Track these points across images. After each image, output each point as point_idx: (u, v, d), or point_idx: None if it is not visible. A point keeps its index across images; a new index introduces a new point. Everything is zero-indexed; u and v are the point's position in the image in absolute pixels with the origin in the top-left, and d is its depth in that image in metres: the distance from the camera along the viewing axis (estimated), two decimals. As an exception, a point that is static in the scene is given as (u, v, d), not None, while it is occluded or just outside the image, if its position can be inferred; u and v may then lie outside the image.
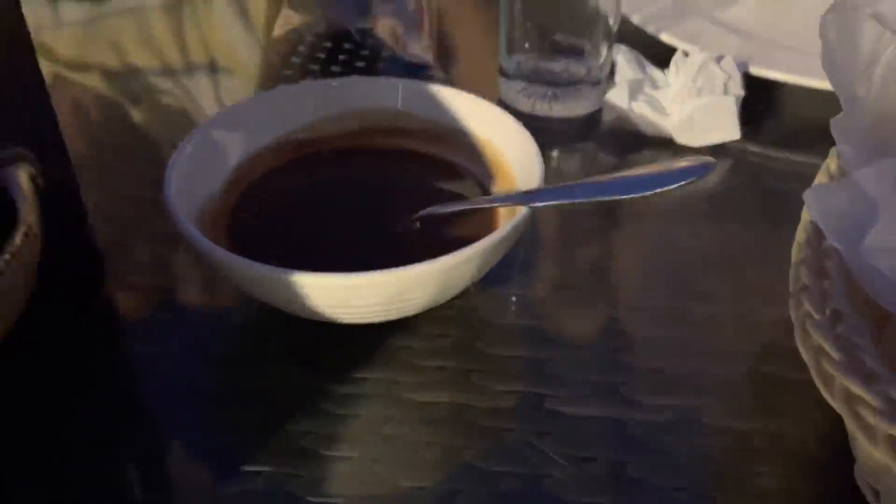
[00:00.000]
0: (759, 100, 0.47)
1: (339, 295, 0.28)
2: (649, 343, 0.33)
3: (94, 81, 0.51)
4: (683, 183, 0.29)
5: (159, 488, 0.28)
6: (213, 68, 0.53)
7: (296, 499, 0.27)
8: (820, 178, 0.31)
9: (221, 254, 0.28)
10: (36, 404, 0.30)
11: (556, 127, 0.47)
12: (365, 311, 0.30)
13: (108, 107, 0.49)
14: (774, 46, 0.50)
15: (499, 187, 0.35)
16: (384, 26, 0.54)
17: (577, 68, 0.46)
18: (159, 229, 0.36)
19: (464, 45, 0.57)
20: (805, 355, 0.24)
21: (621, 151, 0.45)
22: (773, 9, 0.58)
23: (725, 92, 0.44)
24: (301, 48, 0.55)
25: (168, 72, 0.52)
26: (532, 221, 0.34)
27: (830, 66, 0.28)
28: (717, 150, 0.45)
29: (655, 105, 0.45)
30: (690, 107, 0.44)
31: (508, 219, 0.30)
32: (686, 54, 0.46)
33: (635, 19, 0.53)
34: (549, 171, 0.44)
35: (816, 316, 0.24)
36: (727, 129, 0.44)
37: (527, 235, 0.37)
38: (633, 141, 0.45)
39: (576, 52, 0.46)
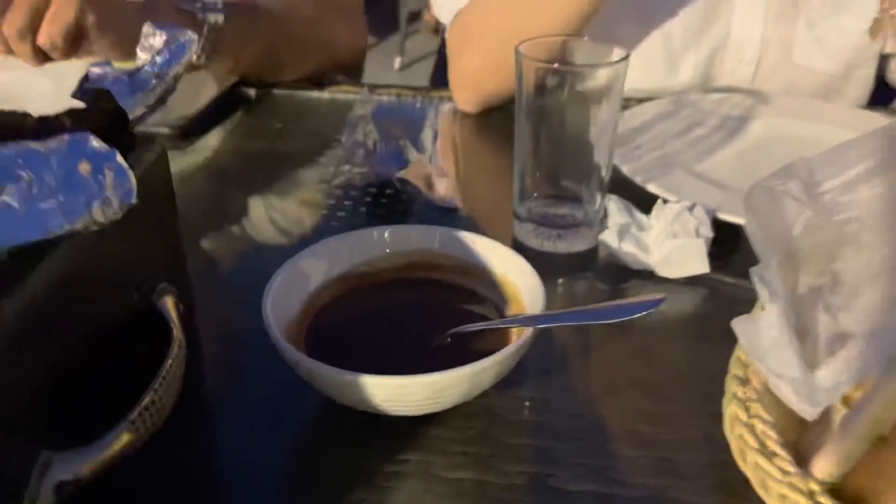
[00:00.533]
0: (728, 239, 0.58)
1: (391, 393, 0.38)
2: (632, 436, 0.42)
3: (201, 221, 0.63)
4: (639, 315, 0.39)
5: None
6: (294, 208, 0.66)
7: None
8: (755, 310, 0.41)
9: (307, 361, 0.38)
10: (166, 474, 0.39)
11: (561, 261, 0.58)
12: (409, 406, 0.39)
13: (210, 242, 0.61)
14: (741, 194, 0.61)
15: (511, 311, 0.46)
16: (418, 176, 0.66)
17: (576, 213, 0.58)
18: (255, 342, 0.46)
19: (483, 190, 0.68)
20: (731, 441, 0.34)
21: (613, 281, 0.56)
22: (743, 162, 0.70)
23: (697, 235, 0.55)
24: (353, 192, 0.67)
25: (257, 210, 0.64)
26: (541, 337, 0.44)
27: (755, 230, 0.39)
28: (691, 280, 0.55)
29: (640, 244, 0.56)
30: (668, 247, 0.54)
31: (518, 337, 0.40)
32: (665, 201, 0.57)
33: (625, 171, 0.64)
34: (557, 296, 0.54)
35: (742, 415, 0.34)
36: (698, 264, 0.54)
37: (536, 347, 0.47)
38: (623, 273, 0.56)
39: (576, 200, 0.58)
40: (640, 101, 0.78)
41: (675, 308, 0.53)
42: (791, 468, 0.31)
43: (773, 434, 0.32)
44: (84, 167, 0.30)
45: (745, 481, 0.35)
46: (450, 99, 0.83)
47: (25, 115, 0.32)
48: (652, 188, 0.61)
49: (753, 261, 0.40)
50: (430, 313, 0.46)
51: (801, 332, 0.36)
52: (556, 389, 0.46)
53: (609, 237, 0.56)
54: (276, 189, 0.69)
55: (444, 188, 0.65)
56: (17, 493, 0.28)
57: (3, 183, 0.27)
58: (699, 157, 0.69)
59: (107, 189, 0.30)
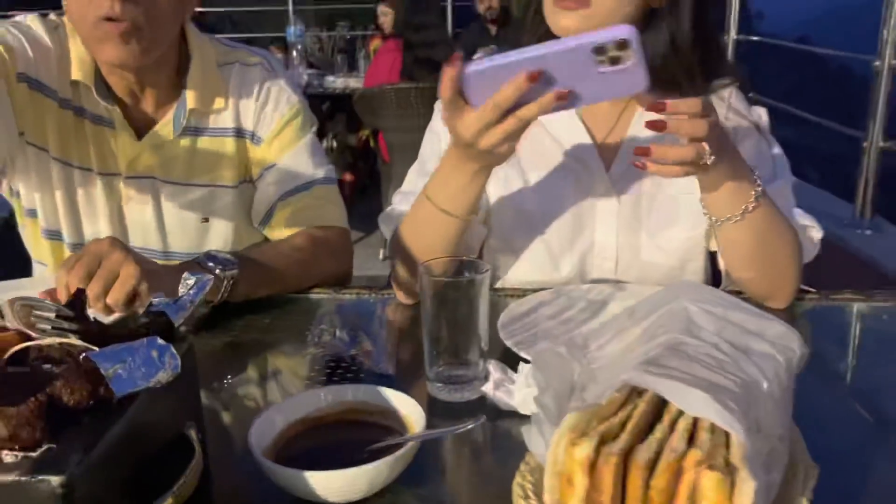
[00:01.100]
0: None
1: (330, 483, 0.63)
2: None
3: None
4: (469, 427, 0.65)
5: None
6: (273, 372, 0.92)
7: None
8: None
9: (276, 468, 0.63)
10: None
11: (458, 406, 0.83)
12: (340, 494, 0.64)
13: (217, 397, 0.87)
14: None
15: (407, 434, 0.71)
16: (365, 354, 0.93)
17: (468, 373, 0.84)
18: (245, 460, 0.72)
19: (407, 359, 0.95)
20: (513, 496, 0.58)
21: (495, 417, 0.81)
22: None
23: (546, 384, 0.81)
24: (317, 366, 0.94)
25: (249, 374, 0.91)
26: (429, 450, 0.69)
27: (537, 374, 0.65)
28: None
29: (509, 393, 0.82)
30: (524, 393, 0.80)
31: (410, 448, 0.66)
32: (527, 362, 0.84)
33: (509, 343, 0.92)
34: (456, 417, 0.79)
35: (519, 479, 0.59)
36: (545, 404, 0.80)
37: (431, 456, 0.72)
38: (500, 411, 0.81)
39: (467, 365, 0.84)
40: (526, 292, 1.07)
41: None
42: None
43: (529, 485, 0.56)
44: (154, 353, 0.58)
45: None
46: (393, 295, 1.12)
47: (129, 327, 0.60)
48: (522, 354, 0.89)
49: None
50: (358, 437, 0.71)
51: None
52: (441, 488, 0.70)
53: (488, 388, 0.82)
54: (259, 363, 0.96)
55: (383, 362, 0.93)
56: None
57: (118, 363, 0.55)
58: (565, 331, 0.97)
59: (165, 365, 0.58)
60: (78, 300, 0.60)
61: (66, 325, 0.58)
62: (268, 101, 1.26)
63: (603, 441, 0.52)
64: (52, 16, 1.21)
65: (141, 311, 0.67)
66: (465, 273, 0.86)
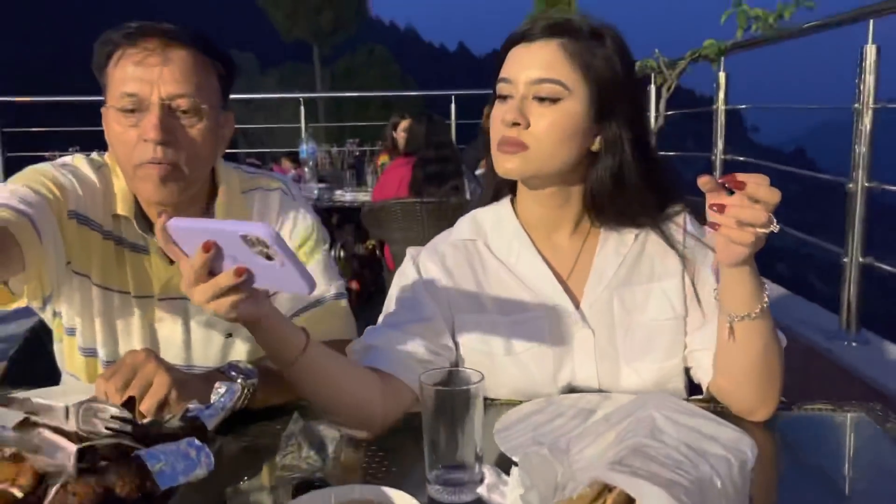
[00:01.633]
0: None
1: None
2: None
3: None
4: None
5: None
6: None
7: None
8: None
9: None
10: None
11: (455, 507, 0.91)
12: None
13: None
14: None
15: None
16: (369, 457, 1.01)
17: (464, 476, 0.92)
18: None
19: (409, 462, 1.03)
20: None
21: (486, 519, 0.88)
22: (582, 439, 1.05)
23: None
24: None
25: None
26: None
27: (524, 476, 0.74)
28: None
29: (503, 495, 0.90)
30: (516, 493, 0.88)
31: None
32: (516, 465, 0.92)
33: (504, 448, 1.00)
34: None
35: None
36: (534, 504, 0.88)
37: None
38: (492, 513, 0.89)
39: (463, 468, 0.93)
40: (521, 401, 1.16)
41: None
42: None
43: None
44: (192, 452, 0.67)
45: None
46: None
47: (167, 429, 0.70)
48: (515, 458, 0.97)
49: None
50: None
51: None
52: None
53: (483, 490, 0.90)
54: (272, 466, 1.04)
55: (385, 464, 1.01)
56: None
57: (162, 461, 0.64)
58: (556, 437, 1.05)
59: (201, 463, 0.67)
60: (130, 405, 0.70)
61: (118, 426, 0.68)
62: (285, 224, 1.39)
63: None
64: (95, 155, 1.35)
65: (168, 416, 0.76)
66: (460, 383, 0.96)
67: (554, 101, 1.12)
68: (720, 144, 3.83)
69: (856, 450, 1.11)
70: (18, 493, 0.59)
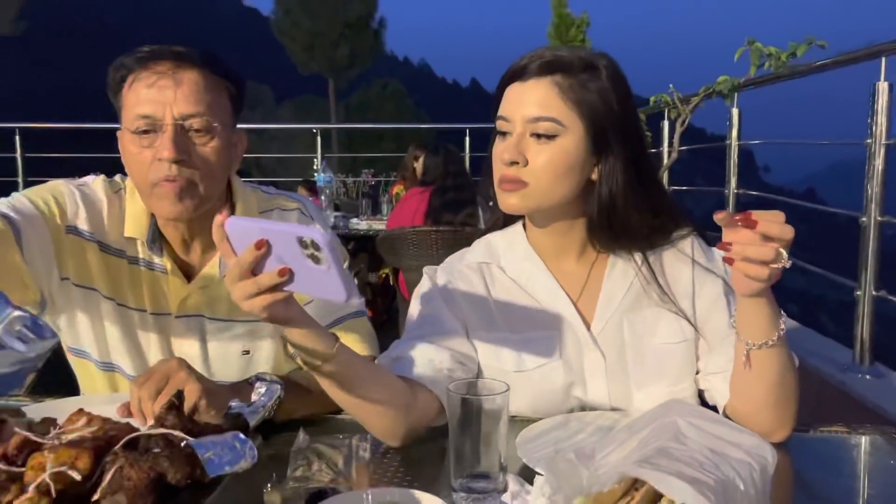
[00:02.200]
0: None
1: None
2: None
3: None
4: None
5: None
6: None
7: None
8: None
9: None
10: None
11: (480, 515, 0.94)
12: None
13: None
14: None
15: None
16: (395, 466, 1.04)
17: (488, 485, 0.95)
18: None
19: (434, 472, 1.06)
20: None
21: (510, 525, 0.91)
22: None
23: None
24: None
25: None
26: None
27: (551, 480, 0.77)
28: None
29: (526, 502, 0.92)
30: (539, 503, 0.90)
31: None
32: (541, 474, 0.95)
33: (526, 459, 1.02)
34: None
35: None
36: (558, 512, 0.91)
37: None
38: (515, 520, 0.91)
39: (487, 477, 0.95)
40: (539, 419, 1.18)
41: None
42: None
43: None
44: (237, 444, 0.71)
45: None
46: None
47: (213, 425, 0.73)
48: (538, 469, 0.99)
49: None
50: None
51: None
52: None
53: (507, 499, 0.93)
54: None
55: (412, 472, 1.03)
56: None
57: (210, 451, 0.68)
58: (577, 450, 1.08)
59: (246, 455, 0.70)
60: (180, 400, 0.74)
61: (170, 418, 0.71)
62: None
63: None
64: (118, 177, 1.40)
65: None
66: (486, 393, 0.99)
67: (550, 137, 1.16)
68: (733, 181, 3.85)
69: (871, 471, 1.13)
70: (77, 476, 0.62)
